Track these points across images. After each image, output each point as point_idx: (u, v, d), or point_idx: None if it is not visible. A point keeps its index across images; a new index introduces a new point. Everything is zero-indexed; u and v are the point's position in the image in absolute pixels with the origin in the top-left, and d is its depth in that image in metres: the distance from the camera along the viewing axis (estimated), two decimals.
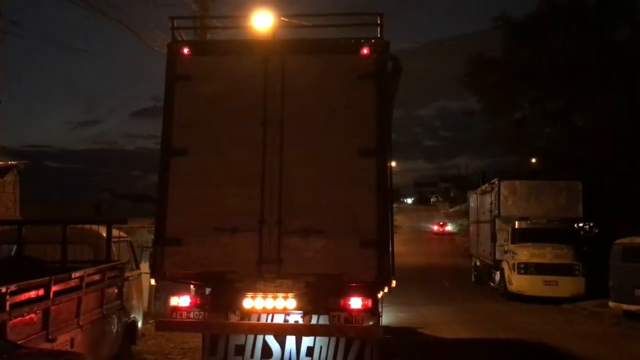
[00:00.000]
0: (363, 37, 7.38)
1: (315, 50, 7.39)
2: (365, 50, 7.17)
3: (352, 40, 7.39)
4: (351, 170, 6.98)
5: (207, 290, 7.36)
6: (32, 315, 5.39)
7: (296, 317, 7.12)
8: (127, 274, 8.28)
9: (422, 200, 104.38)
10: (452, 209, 78.74)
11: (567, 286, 17.99)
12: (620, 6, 23.40)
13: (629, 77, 21.76)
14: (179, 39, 7.73)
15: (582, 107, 25.39)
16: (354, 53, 7.21)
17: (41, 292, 5.51)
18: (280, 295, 7.00)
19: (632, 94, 21.87)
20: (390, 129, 7.30)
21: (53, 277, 5.64)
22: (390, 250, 6.86)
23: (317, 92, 7.23)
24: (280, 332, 7.16)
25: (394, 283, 6.90)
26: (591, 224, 24.05)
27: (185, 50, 7.42)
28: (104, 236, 8.04)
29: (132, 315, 8.62)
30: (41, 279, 5.50)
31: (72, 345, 6.23)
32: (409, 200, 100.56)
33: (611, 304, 15.13)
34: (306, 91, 7.22)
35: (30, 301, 5.35)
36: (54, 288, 5.65)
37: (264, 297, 7.02)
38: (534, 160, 33.40)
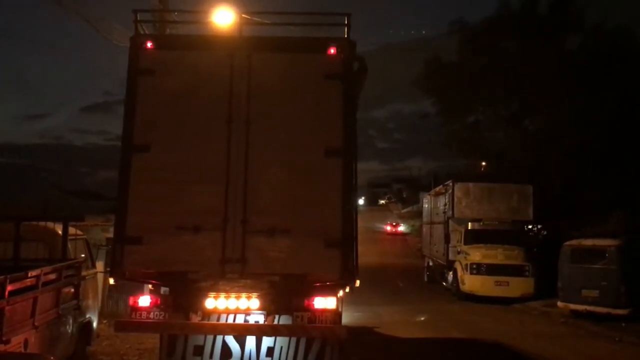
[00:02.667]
0: (330, 37, 7.38)
1: (282, 48, 7.33)
2: (332, 50, 7.16)
3: (320, 40, 7.37)
4: (317, 170, 6.96)
5: (168, 290, 7.21)
6: None
7: (257, 318, 7.06)
8: (83, 273, 8.02)
9: (373, 201, 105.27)
10: (405, 210, 79.73)
11: (517, 286, 18.48)
12: (571, 17, 24.16)
13: (577, 85, 22.48)
14: (142, 32, 7.55)
15: (533, 113, 26.12)
16: (321, 52, 7.18)
17: None
18: (244, 295, 6.93)
19: (580, 101, 22.63)
20: (356, 130, 7.31)
21: (9, 276, 5.40)
22: (355, 250, 6.88)
23: (284, 90, 7.19)
24: (244, 333, 7.09)
25: (357, 283, 6.92)
26: (539, 226, 24.76)
27: (149, 44, 7.24)
28: (59, 234, 7.78)
29: (87, 315, 8.38)
30: None
31: (26, 346, 6.00)
32: (361, 201, 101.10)
33: (559, 304, 15.62)
34: (272, 89, 7.17)
35: None
36: (9, 287, 5.42)
37: (227, 297, 6.93)
38: (484, 163, 34.16)
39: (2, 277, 5.34)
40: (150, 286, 7.57)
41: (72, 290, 7.48)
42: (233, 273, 6.79)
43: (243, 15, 8.35)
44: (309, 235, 6.77)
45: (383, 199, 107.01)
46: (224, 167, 6.93)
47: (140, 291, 7.75)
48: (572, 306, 15.15)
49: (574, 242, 15.80)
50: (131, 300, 7.00)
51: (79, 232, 8.95)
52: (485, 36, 25.58)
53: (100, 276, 9.71)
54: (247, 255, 6.77)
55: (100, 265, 9.80)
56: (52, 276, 6.66)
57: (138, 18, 7.40)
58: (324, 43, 7.25)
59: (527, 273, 18.60)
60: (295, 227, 6.80)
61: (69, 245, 7.93)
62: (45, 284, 6.35)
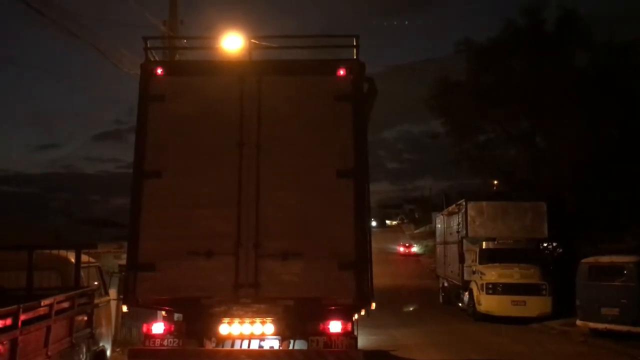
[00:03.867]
0: (339, 59, 7.40)
1: (292, 71, 7.37)
2: (341, 72, 7.18)
3: (329, 62, 7.40)
4: (329, 191, 6.93)
5: (182, 317, 7.16)
6: None
7: (272, 343, 6.97)
8: (96, 301, 7.98)
9: (385, 222, 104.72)
10: (417, 230, 79.18)
11: (534, 306, 18.17)
12: (578, 33, 24.14)
13: (587, 101, 22.38)
14: (152, 59, 7.61)
15: (544, 130, 25.98)
16: (330, 74, 7.21)
17: (9, 321, 5.24)
18: (258, 320, 6.87)
19: (590, 117, 22.51)
20: (367, 150, 7.28)
21: (22, 306, 5.36)
22: (369, 271, 6.80)
23: (294, 113, 7.20)
24: (259, 359, 6.97)
25: (373, 306, 6.83)
26: (555, 244, 24.47)
27: (159, 71, 7.31)
28: (72, 262, 7.74)
29: (101, 344, 8.31)
30: (9, 308, 5.23)
31: None
32: (373, 223, 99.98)
33: (578, 322, 15.31)
34: (282, 112, 7.18)
35: None
36: (22, 317, 5.38)
37: (241, 323, 6.87)
38: (496, 182, 33.95)
39: (15, 306, 5.30)
40: (163, 313, 7.53)
41: (85, 318, 7.42)
42: (247, 298, 6.74)
43: (252, 40, 8.41)
44: (322, 257, 6.71)
45: (395, 220, 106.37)
46: (236, 191, 6.91)
47: (153, 318, 7.69)
48: (592, 325, 14.84)
49: (590, 259, 15.54)
50: (144, 328, 6.95)
51: (91, 259, 8.92)
52: (492, 55, 25.59)
53: (113, 304, 9.65)
54: (261, 280, 6.72)
55: (113, 293, 9.75)
56: (65, 305, 6.61)
57: (148, 45, 7.46)
58: (333, 65, 7.27)
59: (544, 292, 18.28)
60: (308, 249, 6.75)
61: (82, 273, 7.89)
62: (58, 312, 6.30)
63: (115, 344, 11.11)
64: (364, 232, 6.87)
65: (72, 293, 6.93)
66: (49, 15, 10.93)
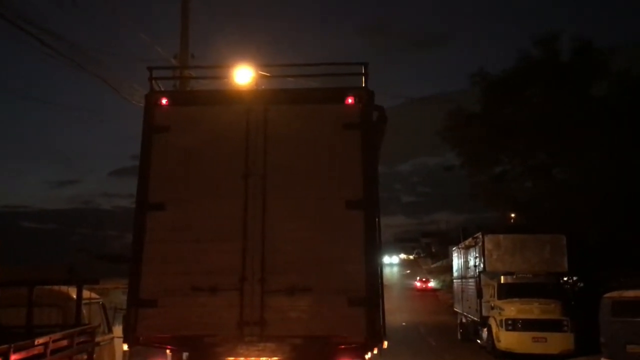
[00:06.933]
0: (347, 87, 7.20)
1: (299, 100, 7.18)
2: (350, 100, 6.98)
3: (337, 90, 7.20)
4: (338, 223, 6.65)
5: (185, 355, 6.84)
6: None
7: None
8: (98, 339, 7.70)
9: (401, 257, 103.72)
10: (435, 265, 78.11)
11: (556, 342, 17.51)
12: (594, 62, 23.91)
13: (607, 131, 22.02)
14: (157, 89, 7.49)
15: (563, 162, 25.58)
16: (338, 102, 7.01)
17: None
18: (264, 359, 6.52)
19: (611, 147, 22.11)
20: (377, 180, 7.03)
21: (13, 345, 5.11)
22: (381, 308, 6.47)
23: (301, 142, 6.98)
24: None
25: (385, 344, 6.47)
26: (575, 278, 23.81)
27: (164, 101, 7.15)
28: (73, 298, 7.51)
29: None
30: None
31: None
32: (395, 259, 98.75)
33: None
34: (290, 142, 6.97)
35: None
36: (14, 357, 5.12)
37: None
38: (513, 215, 33.40)
39: (5, 346, 5.05)
40: (168, 351, 7.22)
41: (86, 357, 7.14)
42: (252, 336, 6.43)
43: (260, 72, 8.28)
44: (331, 293, 6.41)
45: (411, 254, 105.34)
46: (241, 223, 6.67)
47: (158, 357, 7.37)
48: None
49: (614, 294, 14.94)
50: None
51: (94, 295, 8.68)
52: (507, 86, 25.40)
53: (118, 341, 9.35)
54: (267, 317, 6.41)
55: (118, 330, 9.45)
56: (63, 343, 6.35)
57: (153, 75, 7.34)
58: (341, 93, 7.08)
59: (565, 328, 17.63)
60: (316, 284, 6.45)
61: (84, 310, 7.65)
62: (55, 351, 6.04)
63: None
64: (375, 266, 6.56)
65: (70, 331, 6.67)
66: (61, 50, 10.95)
